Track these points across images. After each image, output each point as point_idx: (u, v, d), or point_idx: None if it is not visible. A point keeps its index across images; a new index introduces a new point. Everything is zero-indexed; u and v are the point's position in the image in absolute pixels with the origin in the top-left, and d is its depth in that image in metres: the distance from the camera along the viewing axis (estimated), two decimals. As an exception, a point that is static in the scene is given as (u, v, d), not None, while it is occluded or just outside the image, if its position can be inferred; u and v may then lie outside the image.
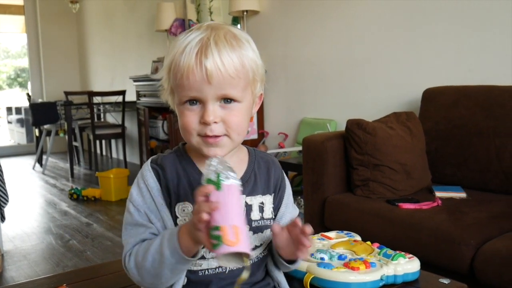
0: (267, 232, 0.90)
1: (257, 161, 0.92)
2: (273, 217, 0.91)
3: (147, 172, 0.85)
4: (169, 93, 0.84)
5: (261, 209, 0.89)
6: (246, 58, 0.80)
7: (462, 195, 1.99)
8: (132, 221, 0.83)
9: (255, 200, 0.88)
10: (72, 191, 4.13)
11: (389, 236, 1.79)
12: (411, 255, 1.12)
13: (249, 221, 0.86)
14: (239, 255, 0.71)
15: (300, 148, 2.96)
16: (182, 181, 0.84)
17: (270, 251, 0.93)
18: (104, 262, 1.35)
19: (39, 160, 5.88)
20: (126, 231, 0.84)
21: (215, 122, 0.79)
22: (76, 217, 3.54)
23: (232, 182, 0.72)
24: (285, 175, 0.97)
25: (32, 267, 2.56)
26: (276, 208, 0.93)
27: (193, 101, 0.79)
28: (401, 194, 2.03)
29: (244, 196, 0.86)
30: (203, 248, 0.80)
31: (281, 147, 3.43)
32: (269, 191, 0.91)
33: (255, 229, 0.88)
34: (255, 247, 0.89)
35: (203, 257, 0.84)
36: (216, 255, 0.71)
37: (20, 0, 7.19)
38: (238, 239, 0.68)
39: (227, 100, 0.79)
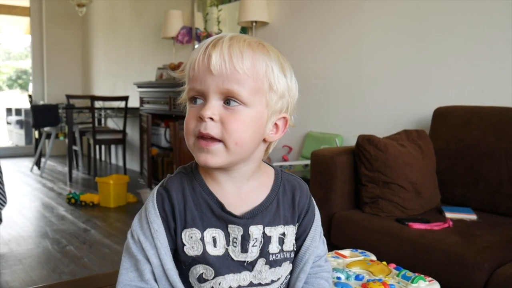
0: (286, 265, 0.82)
1: (282, 184, 0.82)
2: (294, 249, 0.83)
3: (150, 197, 0.78)
4: (186, 95, 0.78)
5: (281, 241, 0.80)
6: (261, 61, 0.73)
7: (473, 217, 1.95)
8: (127, 247, 0.78)
9: (275, 232, 0.79)
10: (70, 195, 4.07)
11: (399, 256, 1.75)
12: (431, 278, 1.07)
13: (266, 254, 0.79)
14: None
15: (306, 162, 2.92)
16: (189, 204, 0.76)
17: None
18: (106, 272, 1.30)
19: (37, 163, 5.82)
20: (123, 257, 0.79)
21: (211, 119, 0.70)
22: (74, 222, 3.48)
23: None
24: (314, 203, 0.87)
25: (27, 272, 2.50)
26: (301, 238, 0.84)
27: (197, 98, 0.73)
28: (410, 213, 1.99)
29: (262, 226, 0.78)
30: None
31: (285, 160, 3.39)
32: (292, 221, 0.82)
33: (272, 263, 0.80)
34: (271, 282, 0.81)
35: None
36: None
37: (26, 2, 7.19)
38: None
39: (233, 101, 0.71)
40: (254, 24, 3.60)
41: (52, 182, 5.10)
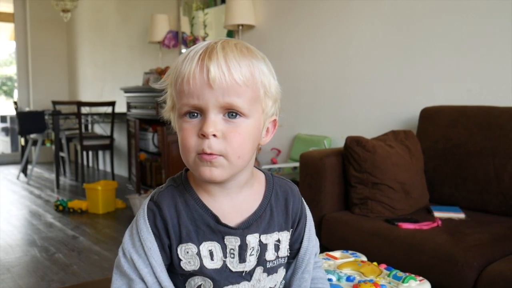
0: (281, 271, 0.82)
1: (274, 191, 0.81)
2: (288, 254, 0.83)
3: (141, 212, 0.76)
4: (170, 109, 0.75)
5: (277, 248, 0.79)
6: (257, 68, 0.71)
7: (461, 215, 1.96)
8: (119, 265, 0.76)
9: (270, 239, 0.78)
10: (58, 202, 4.03)
11: (389, 256, 1.75)
12: (421, 278, 1.08)
13: (263, 261, 0.78)
14: None
15: (295, 164, 2.93)
16: (183, 219, 0.74)
17: None
18: (95, 279, 1.29)
19: (24, 170, 5.75)
20: (114, 274, 0.77)
21: (214, 136, 0.68)
22: (62, 229, 3.44)
23: None
24: (306, 205, 0.87)
25: (16, 281, 2.47)
26: (298, 241, 0.85)
27: (193, 113, 0.70)
28: (399, 214, 2.00)
29: (258, 235, 0.77)
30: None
31: (274, 163, 3.39)
32: (287, 227, 0.81)
33: (270, 270, 0.79)
34: None
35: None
36: None
37: (10, 8, 7.11)
38: None
39: (232, 114, 0.69)
40: (240, 27, 3.60)
41: (39, 189, 5.05)
